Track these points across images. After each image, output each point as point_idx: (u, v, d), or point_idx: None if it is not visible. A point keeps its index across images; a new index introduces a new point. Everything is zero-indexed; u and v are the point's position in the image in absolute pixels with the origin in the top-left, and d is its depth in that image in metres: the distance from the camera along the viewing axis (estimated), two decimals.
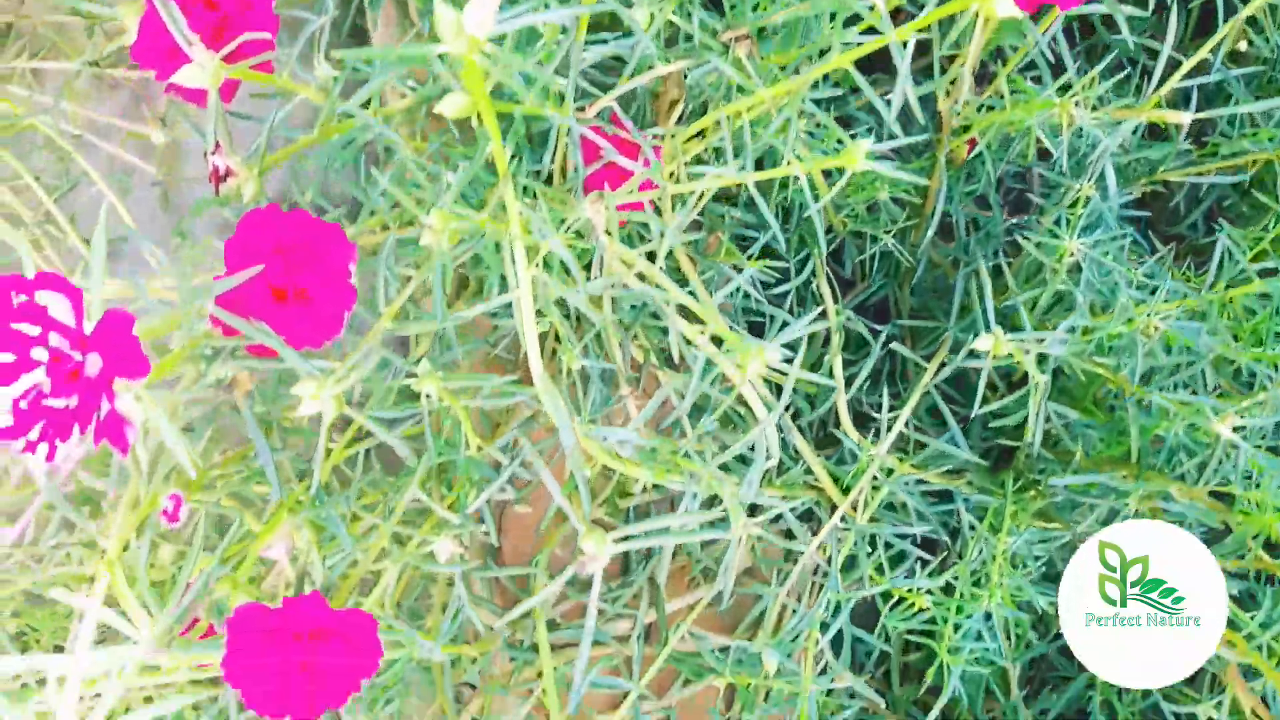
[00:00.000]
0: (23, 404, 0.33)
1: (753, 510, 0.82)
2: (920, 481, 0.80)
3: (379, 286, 0.49)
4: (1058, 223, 0.68)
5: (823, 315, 0.82)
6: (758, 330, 0.85)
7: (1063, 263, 0.69)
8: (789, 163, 0.53)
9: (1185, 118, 0.65)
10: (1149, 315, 0.64)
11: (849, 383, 0.80)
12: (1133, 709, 0.80)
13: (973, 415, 0.77)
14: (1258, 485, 0.65)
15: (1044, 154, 0.83)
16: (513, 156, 0.59)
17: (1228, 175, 0.76)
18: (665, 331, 0.82)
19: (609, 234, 0.51)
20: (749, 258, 0.77)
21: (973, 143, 0.80)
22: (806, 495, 0.82)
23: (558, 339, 0.65)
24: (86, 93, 0.92)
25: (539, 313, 0.55)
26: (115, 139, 0.90)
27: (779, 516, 0.83)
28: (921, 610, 0.75)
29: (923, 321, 0.86)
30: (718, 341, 0.60)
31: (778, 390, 0.86)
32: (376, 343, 0.44)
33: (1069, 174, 0.72)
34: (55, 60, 0.88)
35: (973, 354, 0.68)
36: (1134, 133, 0.72)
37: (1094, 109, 0.67)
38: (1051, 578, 0.79)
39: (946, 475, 0.80)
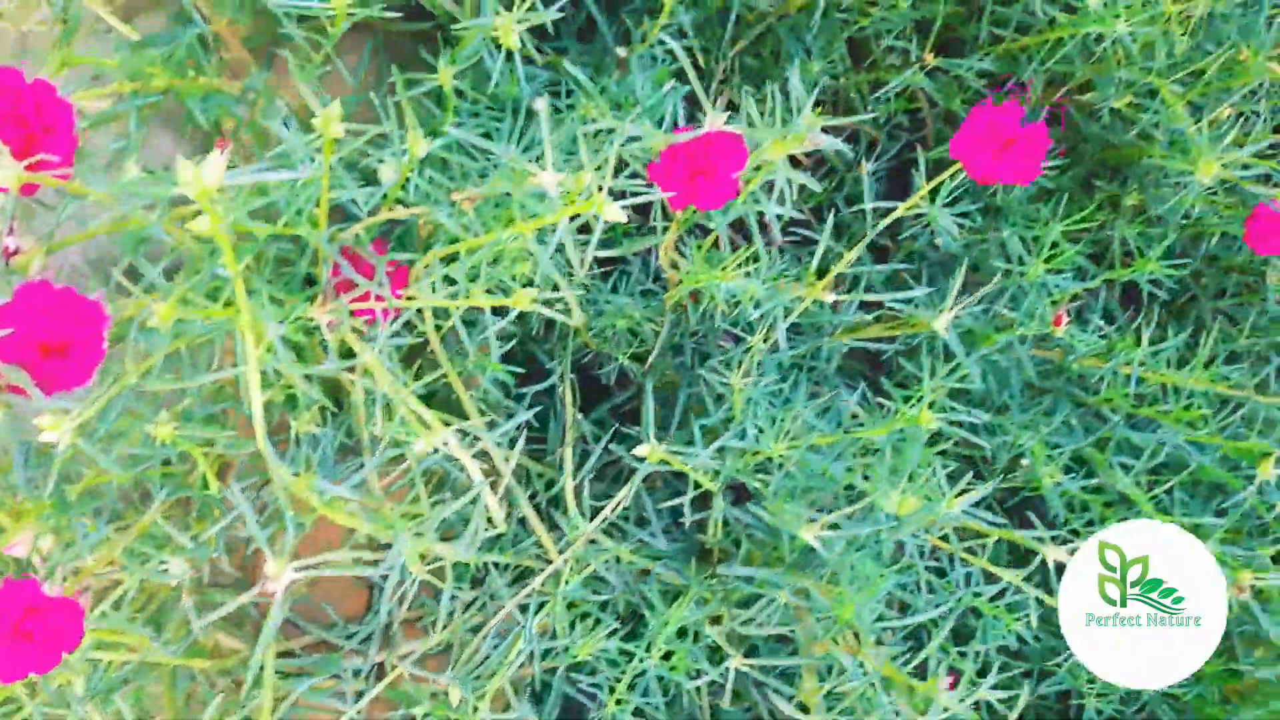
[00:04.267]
0: None
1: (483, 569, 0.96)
2: (632, 564, 0.95)
3: (127, 350, 0.63)
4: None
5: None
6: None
7: (738, 397, 0.87)
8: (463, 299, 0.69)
9: (830, 297, 0.85)
10: (780, 443, 0.82)
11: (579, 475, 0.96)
12: None
13: (677, 513, 0.93)
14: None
15: None
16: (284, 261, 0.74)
17: (887, 342, 0.95)
18: None
19: (331, 330, 0.67)
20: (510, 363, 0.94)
21: (695, 295, 0.98)
22: (536, 564, 0.97)
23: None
24: None
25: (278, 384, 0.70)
26: None
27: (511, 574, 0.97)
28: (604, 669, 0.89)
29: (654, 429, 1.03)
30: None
31: (526, 476, 1.01)
32: (115, 392, 0.58)
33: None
34: None
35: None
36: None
37: (770, 280, 0.86)
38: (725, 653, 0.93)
39: (650, 558, 0.95)
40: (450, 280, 0.79)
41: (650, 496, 1.00)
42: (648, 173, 0.71)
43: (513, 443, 0.95)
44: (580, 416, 0.96)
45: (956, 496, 0.74)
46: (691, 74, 0.76)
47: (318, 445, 0.74)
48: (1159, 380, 0.93)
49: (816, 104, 1.19)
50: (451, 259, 0.76)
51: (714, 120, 0.68)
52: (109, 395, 0.58)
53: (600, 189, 0.61)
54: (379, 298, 0.70)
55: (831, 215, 0.87)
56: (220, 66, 0.83)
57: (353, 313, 0.70)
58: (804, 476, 0.83)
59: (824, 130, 1.23)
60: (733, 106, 1.15)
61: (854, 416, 1.03)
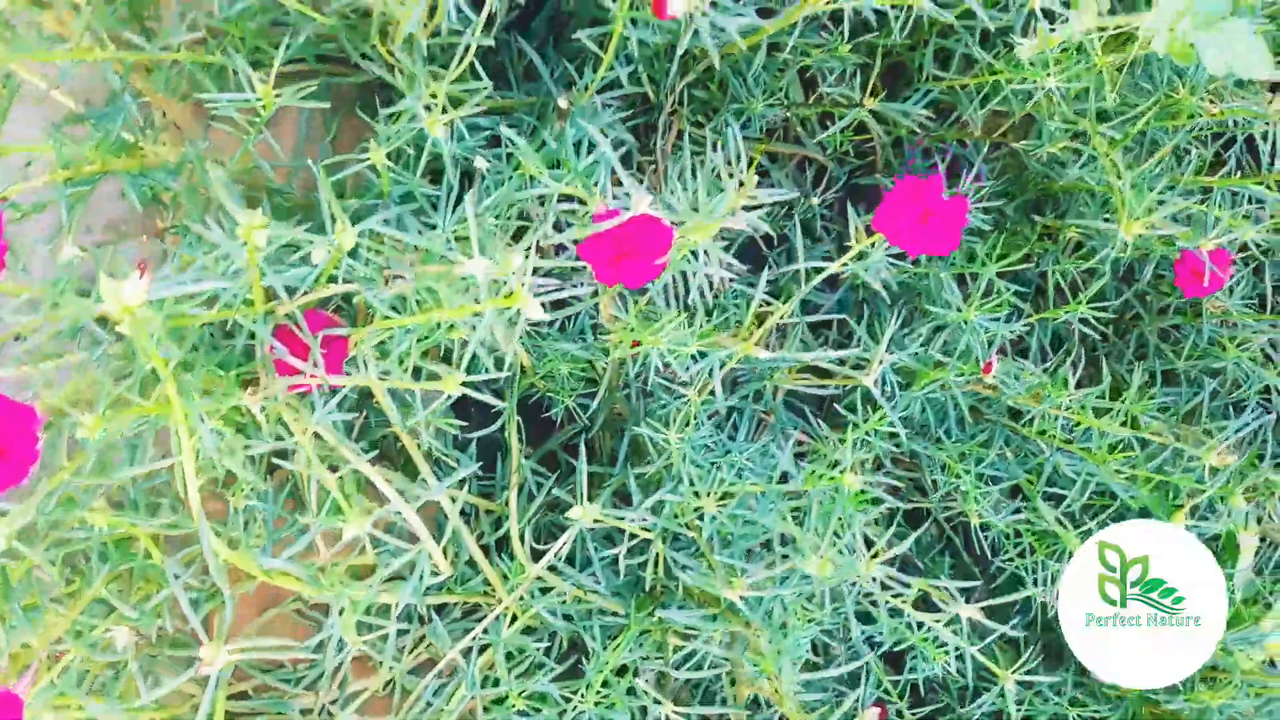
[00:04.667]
0: None
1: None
2: (578, 600, 0.99)
3: (60, 445, 0.65)
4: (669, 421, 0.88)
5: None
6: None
7: (675, 451, 0.89)
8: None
9: (763, 354, 0.87)
10: (712, 496, 0.84)
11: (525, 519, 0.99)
12: None
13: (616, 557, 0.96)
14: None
15: None
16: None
17: (821, 387, 0.98)
18: None
19: (264, 412, 0.69)
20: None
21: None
22: (484, 600, 1.01)
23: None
24: None
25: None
26: None
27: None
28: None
29: (598, 467, 1.05)
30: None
31: (475, 513, 1.04)
32: (50, 487, 0.60)
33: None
34: None
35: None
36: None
37: (707, 334, 0.88)
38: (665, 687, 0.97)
39: (596, 595, 0.99)
40: (392, 342, 0.81)
41: (596, 533, 1.03)
42: (577, 251, 0.73)
43: (462, 483, 0.98)
44: (526, 460, 0.99)
45: (874, 557, 0.77)
46: (613, 158, 0.77)
47: (257, 514, 0.76)
48: (1087, 424, 0.96)
49: (768, 133, 1.21)
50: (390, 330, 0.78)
51: (639, 204, 0.70)
52: (44, 493, 0.60)
53: (523, 285, 0.63)
54: (313, 376, 0.72)
55: (766, 273, 0.89)
56: (162, 126, 0.84)
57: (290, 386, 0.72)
58: (736, 526, 0.86)
59: (771, 159, 1.25)
60: (681, 136, 1.16)
61: (799, 443, 1.06)
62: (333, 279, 0.75)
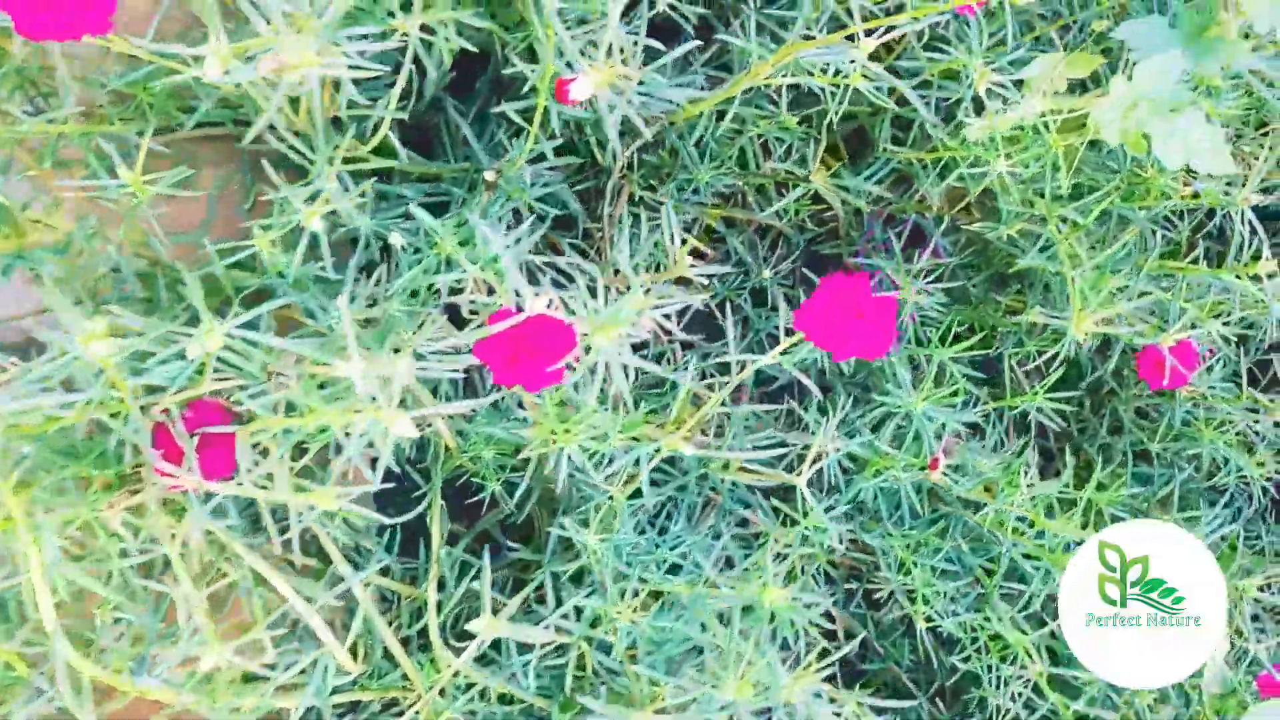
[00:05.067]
0: None
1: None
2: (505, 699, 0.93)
3: None
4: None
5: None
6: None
7: (593, 554, 0.84)
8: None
9: (690, 449, 0.81)
10: (628, 604, 0.79)
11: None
12: None
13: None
14: None
15: None
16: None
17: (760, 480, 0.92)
18: None
19: (125, 530, 0.64)
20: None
21: None
22: (402, 694, 0.95)
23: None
24: None
25: None
26: None
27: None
28: None
29: (530, 554, 1.00)
30: None
31: (397, 599, 0.99)
32: None
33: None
34: None
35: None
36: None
37: (628, 427, 0.83)
38: None
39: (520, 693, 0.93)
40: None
41: (528, 618, 0.98)
42: (473, 350, 0.68)
43: (384, 571, 0.93)
44: (452, 548, 0.93)
45: (798, 680, 0.71)
46: (509, 264, 0.72)
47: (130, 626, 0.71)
48: (1040, 526, 0.90)
49: (725, 198, 1.16)
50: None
51: (534, 304, 0.65)
52: None
53: (392, 403, 0.58)
54: (188, 479, 0.67)
55: (693, 366, 0.84)
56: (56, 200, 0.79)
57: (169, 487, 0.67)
58: (657, 634, 0.81)
59: (729, 224, 1.20)
60: (632, 200, 1.11)
61: (749, 523, 1.00)
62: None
